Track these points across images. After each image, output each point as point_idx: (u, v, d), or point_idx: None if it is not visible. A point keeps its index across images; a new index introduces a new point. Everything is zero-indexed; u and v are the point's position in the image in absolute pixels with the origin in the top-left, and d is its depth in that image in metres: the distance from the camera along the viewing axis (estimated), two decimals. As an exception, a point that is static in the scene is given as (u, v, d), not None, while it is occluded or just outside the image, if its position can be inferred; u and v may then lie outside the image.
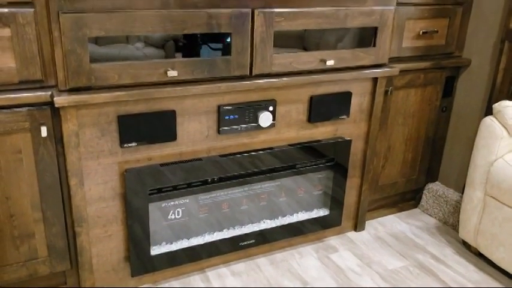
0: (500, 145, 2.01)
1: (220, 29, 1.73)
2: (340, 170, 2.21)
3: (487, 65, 2.31)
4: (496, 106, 2.02)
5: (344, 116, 2.13)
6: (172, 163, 1.82)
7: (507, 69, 2.17)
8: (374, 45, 2.06)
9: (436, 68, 2.34)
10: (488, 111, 2.19)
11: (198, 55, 1.82)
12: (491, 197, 2.05)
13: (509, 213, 1.96)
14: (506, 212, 1.98)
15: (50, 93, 1.56)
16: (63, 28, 1.49)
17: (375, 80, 2.14)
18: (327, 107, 2.08)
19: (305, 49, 2.01)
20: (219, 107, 1.85)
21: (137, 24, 1.58)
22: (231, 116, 1.88)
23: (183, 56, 1.81)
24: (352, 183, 2.31)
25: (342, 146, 2.16)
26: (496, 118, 2.03)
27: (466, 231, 2.20)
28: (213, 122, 1.87)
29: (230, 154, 1.93)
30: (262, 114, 1.92)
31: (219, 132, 1.88)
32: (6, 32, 1.47)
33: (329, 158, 2.16)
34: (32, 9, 1.48)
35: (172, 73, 1.67)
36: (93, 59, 1.56)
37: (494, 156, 2.03)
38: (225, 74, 1.80)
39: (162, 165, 1.80)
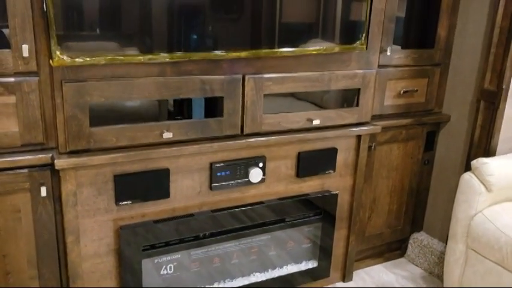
0: (479, 200, 2.11)
1: (213, 94, 1.85)
2: (328, 222, 2.29)
3: (465, 121, 2.44)
4: (474, 163, 2.14)
5: (330, 171, 2.23)
6: (165, 219, 1.88)
7: (484, 126, 2.31)
8: (357, 105, 2.19)
9: (417, 124, 2.46)
10: (468, 165, 2.30)
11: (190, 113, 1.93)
12: (473, 250, 2.13)
13: (490, 266, 2.04)
14: (487, 265, 2.06)
15: (50, 155, 1.64)
16: (65, 95, 1.59)
17: (358, 136, 2.25)
18: (314, 163, 2.18)
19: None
20: (211, 164, 1.94)
21: (135, 91, 1.69)
22: (223, 173, 1.97)
23: (177, 114, 1.91)
24: (339, 235, 2.39)
25: (329, 199, 2.25)
26: (475, 174, 2.14)
27: (451, 283, 2.26)
28: (206, 178, 1.95)
29: (221, 209, 2.00)
30: (252, 171, 2.01)
31: (211, 188, 1.96)
32: (12, 99, 1.57)
33: (317, 211, 2.24)
34: (37, 78, 1.58)
35: (168, 135, 1.77)
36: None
37: (474, 210, 2.12)
38: (218, 134, 1.90)
39: (155, 221, 1.87)
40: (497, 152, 2.29)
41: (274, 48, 1.89)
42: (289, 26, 1.97)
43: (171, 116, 1.92)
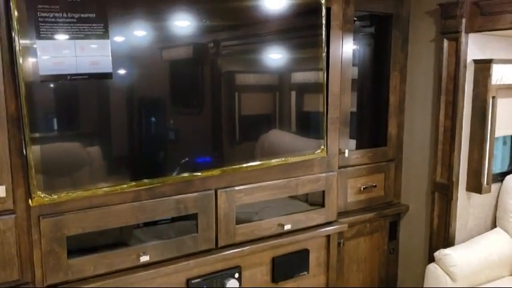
0: (446, 290, 2.22)
1: (187, 211, 1.90)
2: (305, 324, 2.30)
3: (423, 210, 2.60)
4: (437, 255, 2.26)
5: (304, 272, 2.28)
6: None
7: (441, 216, 2.46)
8: (323, 206, 2.30)
9: (380, 216, 2.60)
10: (431, 253, 2.41)
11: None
12: None
13: None
14: None
15: (26, 293, 1.61)
16: (42, 231, 1.60)
17: (328, 236, 2.34)
18: (288, 266, 2.23)
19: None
20: (188, 280, 1.95)
21: (112, 218, 1.72)
22: (200, 288, 1.98)
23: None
24: (317, 335, 2.39)
25: (305, 301, 2.28)
26: (439, 265, 2.25)
27: None
28: (184, 296, 1.95)
29: (201, 326, 1.99)
30: (229, 283, 2.03)
31: (188, 305, 1.96)
32: (-13, 239, 1.55)
33: (294, 314, 2.26)
34: (13, 215, 1.59)
35: (145, 258, 1.79)
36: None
37: (443, 301, 2.22)
38: (193, 250, 1.94)
39: None
40: (456, 240, 2.44)
41: (242, 164, 1.99)
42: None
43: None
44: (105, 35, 1.58)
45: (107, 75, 1.62)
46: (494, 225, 2.60)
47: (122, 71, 1.67)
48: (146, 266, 1.82)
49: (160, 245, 1.85)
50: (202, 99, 1.94)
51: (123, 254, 1.76)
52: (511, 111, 2.58)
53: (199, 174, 1.87)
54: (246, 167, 2.00)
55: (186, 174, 1.84)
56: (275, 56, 2.09)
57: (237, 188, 2.02)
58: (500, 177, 2.63)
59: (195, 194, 1.91)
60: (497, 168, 2.67)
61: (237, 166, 1.98)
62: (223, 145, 2.03)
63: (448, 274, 2.22)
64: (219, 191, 1.98)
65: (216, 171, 1.91)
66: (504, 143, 2.73)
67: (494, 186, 2.57)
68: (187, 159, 1.89)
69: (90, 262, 1.69)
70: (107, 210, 1.71)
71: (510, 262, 2.45)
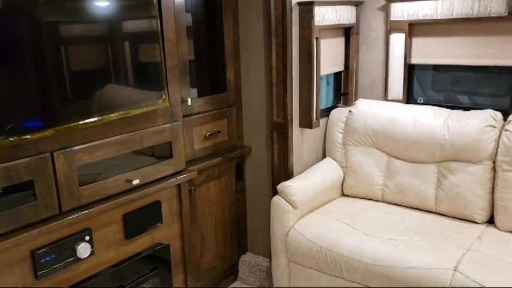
0: (289, 218, 2.45)
1: (21, 179, 1.73)
2: (164, 273, 2.34)
3: (264, 149, 2.78)
4: (279, 187, 2.47)
5: (158, 224, 2.29)
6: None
7: (280, 153, 2.67)
8: (171, 157, 2.30)
9: (226, 160, 2.71)
10: (275, 188, 2.62)
11: None
12: (293, 262, 2.45)
13: (309, 272, 2.39)
14: (307, 272, 2.40)
15: None
16: None
17: (178, 185, 2.37)
18: (140, 220, 2.21)
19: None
20: (32, 252, 1.80)
21: None
22: (48, 258, 1.85)
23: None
24: (178, 280, 2.46)
25: (162, 251, 2.31)
26: (282, 196, 2.46)
27: (281, 294, 2.56)
28: (29, 268, 1.81)
29: (53, 295, 1.88)
30: (79, 247, 1.94)
31: (36, 277, 1.83)
32: None
33: (152, 266, 2.27)
34: None
35: (-24, 236, 1.60)
36: None
37: (287, 227, 2.45)
38: (34, 219, 1.79)
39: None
40: (294, 172, 2.68)
41: (78, 121, 1.86)
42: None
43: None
44: None
45: None
46: (324, 156, 2.92)
47: None
48: (-21, 245, 1.63)
49: (-7, 219, 1.66)
50: (23, 56, 1.73)
51: None
52: (333, 52, 2.86)
53: (28, 137, 1.70)
54: (82, 124, 1.87)
55: (12, 139, 1.65)
56: (102, 3, 1.94)
57: (75, 147, 1.90)
58: (326, 112, 2.93)
59: (28, 159, 1.74)
60: (324, 104, 2.97)
61: (73, 124, 1.84)
62: (53, 104, 1.85)
63: (290, 203, 2.44)
64: (55, 153, 1.83)
65: (48, 132, 1.76)
66: (328, 83, 3.03)
67: (323, 121, 2.87)
68: (13, 124, 1.69)
69: None
70: None
71: (339, 185, 2.80)
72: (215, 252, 2.78)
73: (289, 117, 2.58)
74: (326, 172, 2.74)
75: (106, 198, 2.04)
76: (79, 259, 1.95)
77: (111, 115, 1.98)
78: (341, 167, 2.81)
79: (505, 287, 1.89)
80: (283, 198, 2.46)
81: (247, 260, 2.95)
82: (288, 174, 2.66)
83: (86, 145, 1.93)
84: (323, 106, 2.92)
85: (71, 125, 1.84)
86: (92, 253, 2.00)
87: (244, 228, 2.99)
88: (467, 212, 2.41)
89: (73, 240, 1.93)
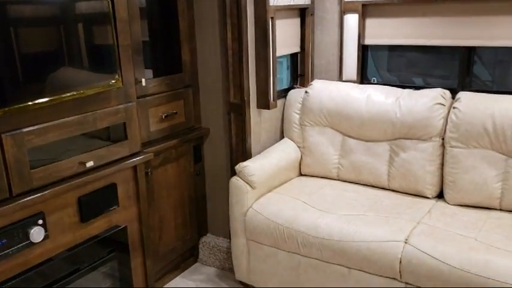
0: (247, 198, 2.47)
1: (-33, 162, 1.67)
2: (122, 256, 2.32)
3: (222, 131, 2.78)
4: (237, 167, 2.48)
5: (114, 207, 2.26)
6: None
7: (238, 134, 2.68)
8: (126, 138, 2.27)
9: (184, 141, 2.70)
10: (233, 169, 2.64)
11: None
12: (252, 240, 2.48)
13: (268, 250, 2.43)
14: (266, 250, 2.44)
15: None
16: None
17: (134, 167, 2.34)
18: (96, 203, 2.17)
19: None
20: (-19, 238, 1.75)
21: None
22: (-1, 243, 1.80)
23: None
24: (136, 263, 2.44)
25: (119, 233, 2.29)
26: (240, 177, 2.48)
27: (241, 273, 2.59)
28: (-22, 255, 1.76)
29: (6, 280, 1.83)
30: (32, 231, 1.89)
31: (-13, 263, 1.78)
32: None
33: (110, 249, 2.25)
34: None
35: None
36: None
37: (246, 207, 2.48)
38: (-18, 204, 1.73)
39: None
40: (252, 153, 2.70)
41: (28, 102, 1.81)
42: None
43: None
44: None
45: None
46: (283, 136, 2.96)
47: None
48: None
49: None
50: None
51: None
52: (288, 32, 2.88)
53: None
54: (33, 104, 1.82)
55: (-44, 119, 1.59)
56: (51, -20, 1.87)
57: (25, 129, 1.84)
58: (284, 93, 2.96)
59: (-27, 142, 1.68)
60: (281, 85, 2.99)
61: (23, 105, 1.78)
62: (3, 85, 1.78)
63: (248, 183, 2.47)
64: (3, 135, 1.77)
65: (-4, 113, 1.70)
66: (285, 65, 3.05)
67: (280, 102, 2.89)
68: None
69: None
70: None
71: (296, 165, 2.85)
72: (174, 234, 2.78)
73: (246, 98, 2.58)
74: (284, 152, 2.77)
75: (59, 181, 2.00)
76: (32, 243, 1.90)
77: (63, 95, 1.93)
78: (298, 147, 2.85)
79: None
80: (242, 179, 2.48)
81: (208, 241, 2.97)
82: (246, 155, 2.68)
83: (36, 126, 1.88)
84: (280, 87, 2.94)
85: (21, 105, 1.78)
86: (46, 237, 1.96)
87: (204, 210, 3.00)
88: (418, 187, 2.50)
89: (25, 224, 1.88)
